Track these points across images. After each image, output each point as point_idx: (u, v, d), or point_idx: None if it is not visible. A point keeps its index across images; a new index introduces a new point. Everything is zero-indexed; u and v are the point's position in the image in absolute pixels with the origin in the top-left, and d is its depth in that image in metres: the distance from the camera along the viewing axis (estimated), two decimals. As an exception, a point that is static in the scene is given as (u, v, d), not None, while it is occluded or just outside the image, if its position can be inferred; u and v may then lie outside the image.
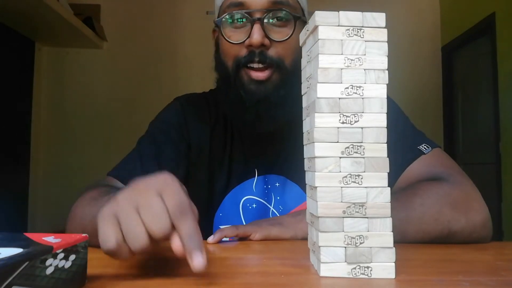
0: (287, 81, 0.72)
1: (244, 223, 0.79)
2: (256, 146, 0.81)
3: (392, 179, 0.70)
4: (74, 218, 0.64)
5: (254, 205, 0.79)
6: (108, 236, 0.38)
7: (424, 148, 0.73)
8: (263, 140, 0.81)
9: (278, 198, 0.80)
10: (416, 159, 0.72)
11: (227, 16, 0.72)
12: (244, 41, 0.71)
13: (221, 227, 0.77)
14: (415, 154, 0.72)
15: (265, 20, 0.71)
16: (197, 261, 0.37)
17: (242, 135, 0.82)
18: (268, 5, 0.71)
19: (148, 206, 0.38)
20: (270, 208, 0.79)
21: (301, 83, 0.70)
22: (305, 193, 0.77)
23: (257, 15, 0.70)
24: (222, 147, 0.81)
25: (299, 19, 0.74)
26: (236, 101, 0.74)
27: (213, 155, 0.81)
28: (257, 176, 0.80)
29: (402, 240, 0.57)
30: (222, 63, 0.76)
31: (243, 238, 0.65)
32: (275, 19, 0.72)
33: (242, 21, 0.72)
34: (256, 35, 0.69)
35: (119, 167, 0.77)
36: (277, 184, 0.80)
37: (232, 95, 0.75)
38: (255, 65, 0.72)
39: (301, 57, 0.73)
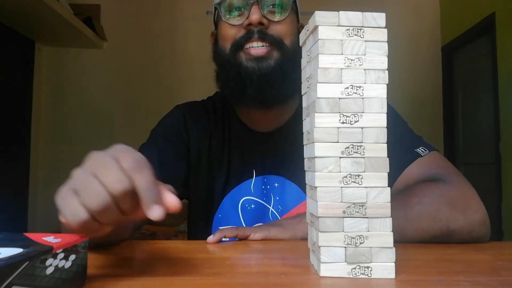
0: (288, 59, 0.74)
1: (243, 223, 0.79)
2: (254, 147, 0.82)
3: (390, 182, 0.70)
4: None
5: (252, 206, 0.80)
6: (75, 209, 0.36)
7: (421, 150, 0.73)
8: (260, 141, 0.82)
9: (278, 198, 0.80)
10: (413, 162, 0.72)
11: (226, 2, 0.75)
12: (243, 22, 0.74)
13: (221, 228, 0.77)
14: (413, 157, 0.73)
15: (262, 2, 0.73)
16: (154, 212, 0.37)
17: (239, 137, 0.83)
18: None
19: (103, 169, 0.37)
20: (269, 208, 0.80)
21: (296, 67, 0.71)
22: (304, 192, 0.78)
23: None
24: (221, 150, 0.83)
25: (293, 6, 0.77)
26: (236, 80, 0.75)
27: (212, 158, 0.82)
28: (255, 177, 0.81)
29: (400, 239, 0.57)
30: (220, 50, 0.78)
31: (243, 239, 0.65)
32: (272, 5, 0.75)
33: (239, 6, 0.75)
34: (255, 15, 0.72)
35: None
36: (276, 185, 0.80)
37: (232, 74, 0.76)
38: (255, 44, 0.74)
39: (296, 43, 0.76)
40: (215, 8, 0.80)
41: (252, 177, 0.81)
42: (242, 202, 0.80)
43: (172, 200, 0.38)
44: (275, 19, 0.74)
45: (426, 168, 0.71)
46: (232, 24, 0.75)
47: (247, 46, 0.74)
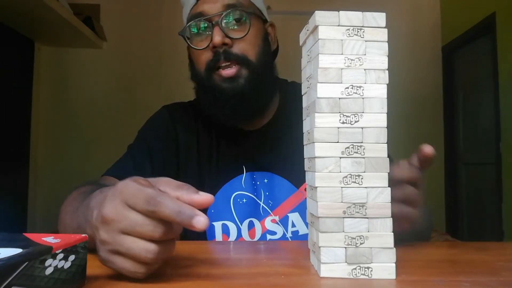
0: (255, 74, 0.78)
1: (236, 218, 0.81)
2: (242, 145, 0.85)
3: None
4: (59, 221, 0.64)
5: (244, 200, 0.82)
6: (133, 268, 0.38)
7: None
8: (247, 139, 0.85)
9: (267, 193, 0.82)
10: None
11: (189, 27, 0.78)
12: (209, 45, 0.77)
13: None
14: None
15: (223, 23, 0.76)
16: (198, 225, 0.37)
17: (227, 135, 0.85)
18: (223, 10, 0.77)
19: (129, 223, 0.38)
20: (260, 204, 0.82)
21: (268, 75, 0.81)
22: (294, 185, 0.81)
23: (215, 19, 0.76)
24: (209, 147, 0.85)
25: (254, 16, 0.79)
26: (213, 101, 0.79)
27: (200, 154, 0.85)
28: (245, 172, 0.83)
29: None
30: (196, 71, 0.81)
31: None
32: (232, 21, 0.77)
33: (203, 29, 0.78)
34: (217, 37, 0.75)
35: (113, 168, 0.81)
36: (266, 180, 0.83)
37: (209, 96, 0.79)
38: (223, 64, 0.77)
39: (263, 52, 0.81)
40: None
41: (243, 173, 0.83)
42: (234, 196, 0.82)
43: (202, 199, 0.40)
44: (237, 36, 0.77)
45: None
46: (199, 48, 0.78)
47: (217, 66, 0.77)
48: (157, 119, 0.88)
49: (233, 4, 0.77)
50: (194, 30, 0.79)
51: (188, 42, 0.80)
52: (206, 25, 0.77)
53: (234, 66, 0.77)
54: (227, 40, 0.76)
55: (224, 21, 0.76)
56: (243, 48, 0.77)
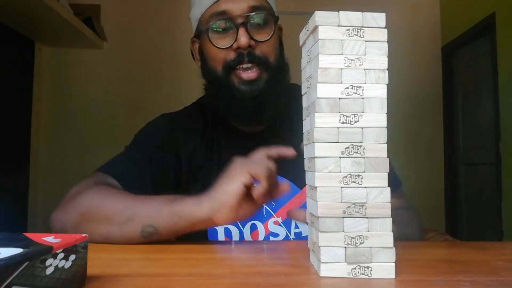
0: (274, 77, 0.79)
1: (238, 221, 0.81)
2: (244, 146, 0.84)
3: None
4: (83, 205, 0.66)
5: None
6: (261, 167, 0.57)
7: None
8: (249, 141, 0.83)
9: None
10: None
11: (213, 24, 0.78)
12: (232, 45, 0.76)
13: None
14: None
15: (249, 24, 0.76)
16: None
17: (229, 138, 0.85)
18: (248, 11, 0.76)
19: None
20: (263, 206, 0.81)
21: (284, 77, 0.82)
22: (297, 186, 0.80)
23: (240, 20, 0.76)
24: (211, 150, 0.84)
25: (276, 19, 0.80)
26: (231, 100, 0.78)
27: (204, 158, 0.84)
28: None
29: None
30: (211, 68, 0.81)
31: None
32: (257, 23, 0.78)
33: (227, 28, 0.77)
34: (244, 38, 0.75)
35: (110, 165, 0.79)
36: None
37: (226, 95, 0.79)
38: (245, 65, 0.77)
39: (281, 55, 0.81)
40: (199, 30, 0.83)
41: None
42: None
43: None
44: (262, 39, 0.77)
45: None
46: (221, 47, 0.77)
47: (238, 67, 0.77)
48: (155, 128, 0.87)
49: (257, 6, 0.77)
50: (217, 28, 0.78)
51: (210, 39, 0.78)
52: (230, 24, 0.77)
53: (255, 69, 0.77)
54: (252, 43, 0.76)
55: (250, 22, 0.76)
56: (265, 50, 0.78)
